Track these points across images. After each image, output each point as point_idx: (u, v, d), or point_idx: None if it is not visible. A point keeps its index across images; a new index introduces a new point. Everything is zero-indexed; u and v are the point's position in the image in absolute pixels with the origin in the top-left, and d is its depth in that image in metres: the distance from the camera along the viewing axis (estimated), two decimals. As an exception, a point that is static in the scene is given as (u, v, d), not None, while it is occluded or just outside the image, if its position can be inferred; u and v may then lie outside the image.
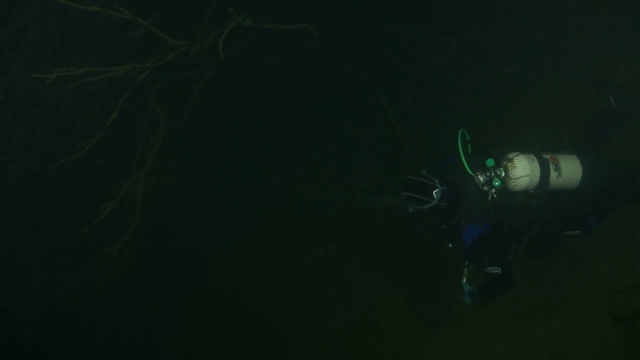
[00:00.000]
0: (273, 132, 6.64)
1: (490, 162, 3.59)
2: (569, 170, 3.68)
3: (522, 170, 3.51)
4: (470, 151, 3.70)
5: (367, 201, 6.08)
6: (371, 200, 5.97)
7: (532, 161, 3.56)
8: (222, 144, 6.72)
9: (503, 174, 3.55)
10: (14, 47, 5.30)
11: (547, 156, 3.66)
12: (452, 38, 5.84)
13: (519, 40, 5.49)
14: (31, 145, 5.65)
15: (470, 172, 3.55)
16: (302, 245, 6.59)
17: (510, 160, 3.56)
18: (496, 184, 3.53)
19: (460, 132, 3.59)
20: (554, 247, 4.52)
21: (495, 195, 3.54)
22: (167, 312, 6.78)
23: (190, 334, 6.81)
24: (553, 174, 3.60)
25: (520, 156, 3.56)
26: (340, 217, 6.39)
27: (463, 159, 3.52)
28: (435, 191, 3.49)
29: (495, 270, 3.59)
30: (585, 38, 5.18)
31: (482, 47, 5.67)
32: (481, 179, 3.58)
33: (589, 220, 3.93)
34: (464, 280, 3.77)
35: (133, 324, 6.61)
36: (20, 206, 5.90)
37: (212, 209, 6.67)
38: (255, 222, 6.83)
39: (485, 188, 3.57)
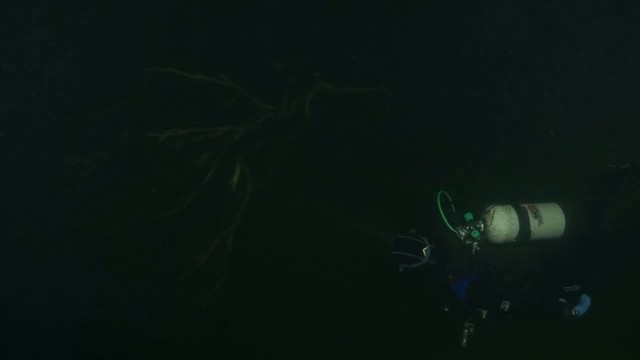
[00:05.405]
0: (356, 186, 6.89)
1: (468, 216, 3.66)
2: (550, 217, 3.67)
3: (499, 219, 3.55)
4: (454, 210, 3.75)
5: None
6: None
7: (509, 210, 3.60)
8: (301, 209, 7.07)
9: (482, 226, 3.61)
10: (127, 114, 6.01)
11: (524, 205, 3.68)
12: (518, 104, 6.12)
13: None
14: (135, 202, 6.21)
15: (451, 228, 3.61)
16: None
17: (488, 211, 3.63)
18: (474, 235, 3.57)
19: (439, 193, 3.67)
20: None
21: (478, 248, 3.59)
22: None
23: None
24: (533, 221, 3.60)
25: (497, 207, 3.61)
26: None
27: (442, 215, 3.60)
28: (425, 249, 3.50)
29: (505, 305, 3.49)
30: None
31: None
32: (462, 233, 3.62)
33: (591, 276, 3.76)
34: (464, 341, 3.67)
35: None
36: (121, 257, 6.38)
37: (298, 265, 6.87)
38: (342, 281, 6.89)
39: (467, 242, 3.61)
